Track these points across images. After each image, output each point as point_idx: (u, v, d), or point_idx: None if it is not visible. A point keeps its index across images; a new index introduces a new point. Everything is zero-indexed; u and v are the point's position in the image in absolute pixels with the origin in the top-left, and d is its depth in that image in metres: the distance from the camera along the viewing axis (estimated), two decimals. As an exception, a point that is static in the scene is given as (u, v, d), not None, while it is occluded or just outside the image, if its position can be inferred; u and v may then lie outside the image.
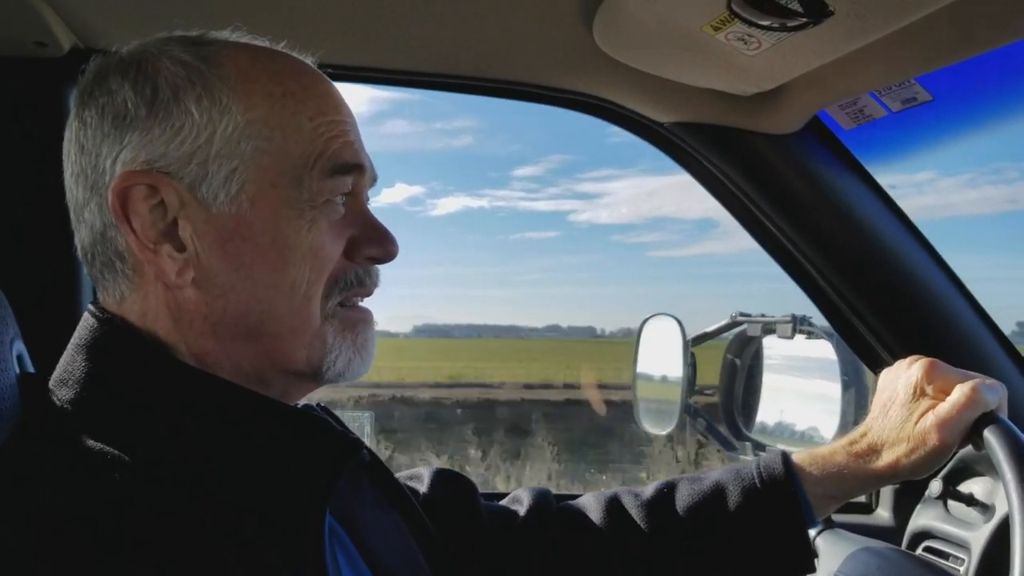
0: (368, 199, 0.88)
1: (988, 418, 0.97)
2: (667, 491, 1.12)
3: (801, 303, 1.62)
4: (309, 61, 0.86)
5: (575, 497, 1.19)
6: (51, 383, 0.79)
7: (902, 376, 1.06)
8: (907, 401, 1.04)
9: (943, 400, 1.01)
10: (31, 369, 0.88)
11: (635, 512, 1.11)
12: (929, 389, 1.03)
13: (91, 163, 0.79)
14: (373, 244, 0.85)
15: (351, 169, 0.83)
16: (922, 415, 1.01)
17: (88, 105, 0.80)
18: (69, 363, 0.79)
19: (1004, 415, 0.99)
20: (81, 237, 0.82)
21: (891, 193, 1.49)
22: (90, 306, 0.83)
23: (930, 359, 1.06)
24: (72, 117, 0.82)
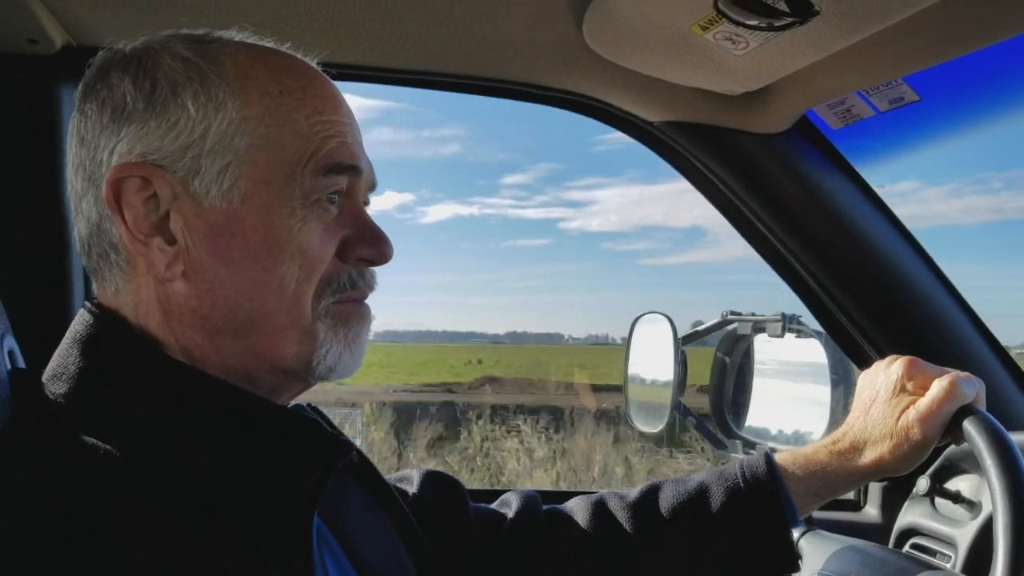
0: (368, 202, 0.88)
1: (967, 410, 1.00)
2: (652, 493, 1.13)
3: (789, 310, 1.63)
4: (314, 63, 0.86)
5: (565, 499, 1.19)
6: (44, 378, 0.79)
7: (882, 375, 1.09)
8: (888, 398, 1.06)
9: (923, 396, 1.03)
10: (22, 365, 0.89)
11: (620, 514, 1.12)
12: (909, 386, 1.06)
13: (89, 155, 0.80)
14: (365, 245, 0.84)
15: (345, 170, 0.82)
16: (903, 411, 1.04)
17: (90, 98, 0.81)
18: (63, 358, 0.79)
19: (982, 407, 1.02)
20: (79, 228, 0.83)
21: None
22: (86, 302, 0.84)
23: (909, 357, 1.08)
24: (75, 110, 0.83)
